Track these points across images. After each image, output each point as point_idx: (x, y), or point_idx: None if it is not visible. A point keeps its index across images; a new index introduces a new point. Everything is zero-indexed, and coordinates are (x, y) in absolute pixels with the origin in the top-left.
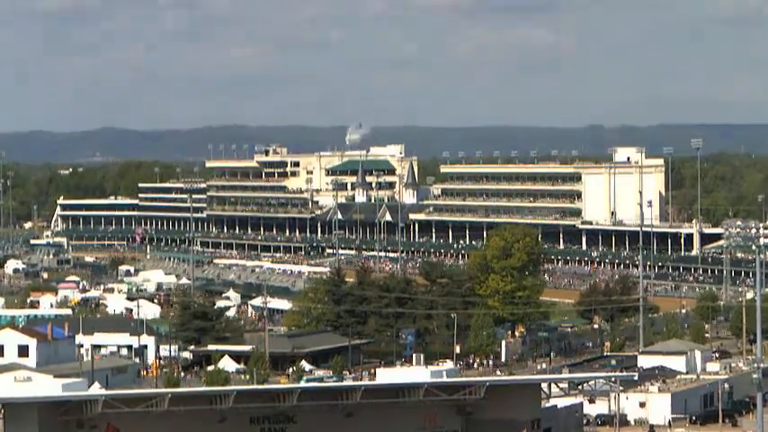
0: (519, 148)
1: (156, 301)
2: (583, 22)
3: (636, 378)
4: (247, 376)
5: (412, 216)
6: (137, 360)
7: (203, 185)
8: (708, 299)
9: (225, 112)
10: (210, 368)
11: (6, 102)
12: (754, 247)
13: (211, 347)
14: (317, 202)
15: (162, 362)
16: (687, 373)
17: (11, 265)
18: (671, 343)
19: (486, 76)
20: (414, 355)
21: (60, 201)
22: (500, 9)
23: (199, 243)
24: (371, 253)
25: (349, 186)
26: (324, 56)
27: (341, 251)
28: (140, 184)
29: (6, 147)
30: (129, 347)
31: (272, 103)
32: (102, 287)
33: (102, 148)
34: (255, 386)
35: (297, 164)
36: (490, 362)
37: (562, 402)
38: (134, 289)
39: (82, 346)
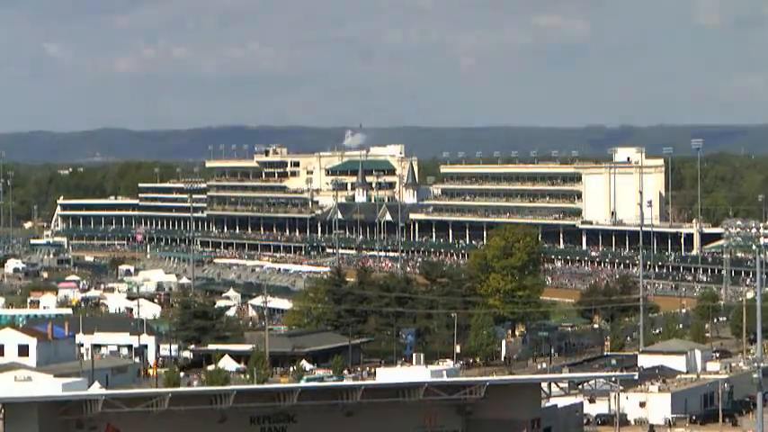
0: (519, 148)
1: (156, 300)
2: (583, 21)
3: (636, 378)
4: (247, 376)
5: (412, 216)
6: (137, 360)
7: (203, 185)
8: (708, 298)
9: (225, 112)
10: (211, 367)
11: (6, 102)
12: (754, 247)
13: (211, 347)
14: (318, 202)
15: (163, 361)
16: (687, 372)
17: (11, 264)
18: (671, 343)
19: (487, 75)
20: (414, 355)
21: (60, 201)
22: (501, 8)
23: (199, 243)
24: (372, 253)
25: (349, 186)
26: (324, 56)
27: (341, 251)
28: (140, 184)
29: (6, 147)
30: (130, 347)
31: (272, 103)
32: (102, 287)
33: (102, 148)
34: (256, 386)
35: (297, 164)
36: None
37: (562, 402)
38: (134, 288)
39: (82, 345)
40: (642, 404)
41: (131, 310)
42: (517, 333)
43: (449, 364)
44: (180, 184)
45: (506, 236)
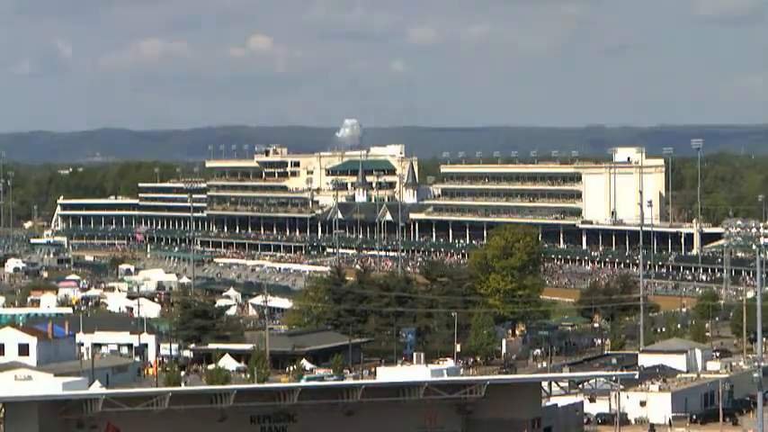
0: (519, 148)
1: (156, 299)
2: (582, 21)
3: (636, 377)
4: (248, 375)
5: (412, 216)
6: (137, 359)
7: (203, 185)
8: (708, 298)
9: (225, 113)
10: (211, 367)
11: (6, 102)
12: (754, 247)
13: (212, 346)
14: (318, 202)
15: (163, 361)
16: (688, 372)
17: (11, 264)
18: (671, 342)
19: (487, 75)
20: (414, 354)
21: (60, 200)
22: (501, 8)
23: (199, 242)
24: (372, 252)
25: (349, 186)
26: (324, 56)
27: (341, 250)
28: (140, 184)
29: (6, 147)
30: (130, 346)
31: (272, 103)
32: (102, 286)
33: (102, 148)
34: (256, 385)
35: (297, 164)
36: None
37: (562, 401)
38: (134, 288)
39: (82, 344)
40: (642, 403)
41: (131, 309)
42: (517, 332)
43: (449, 363)
44: (180, 184)
45: (506, 235)
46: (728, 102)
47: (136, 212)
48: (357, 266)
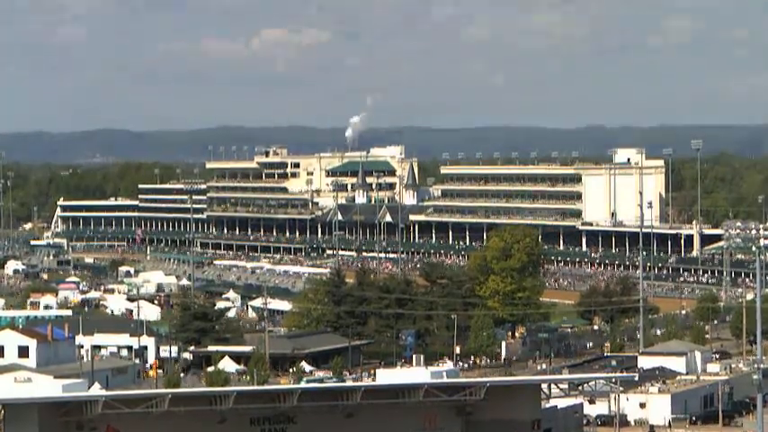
0: (519, 148)
1: (156, 302)
2: (582, 21)
3: (636, 379)
4: (247, 377)
5: (412, 217)
6: (137, 361)
7: (203, 186)
8: (708, 300)
9: (225, 113)
10: (211, 369)
11: (6, 102)
12: (754, 248)
13: (211, 348)
14: (318, 204)
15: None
16: (687, 373)
17: (11, 265)
18: (671, 344)
19: (486, 75)
20: (414, 356)
21: (60, 202)
22: (500, 6)
23: (199, 244)
24: (372, 254)
25: (349, 187)
26: (324, 56)
27: (341, 252)
28: (140, 185)
29: (6, 147)
30: (130, 348)
31: (272, 103)
32: (102, 288)
33: (102, 148)
34: (256, 387)
35: (297, 165)
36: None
37: (562, 403)
38: (134, 290)
39: (82, 346)
40: (642, 405)
41: (131, 311)
42: (517, 334)
43: (449, 365)
44: (180, 185)
45: (506, 237)
46: (728, 102)
47: (136, 214)
48: (356, 268)
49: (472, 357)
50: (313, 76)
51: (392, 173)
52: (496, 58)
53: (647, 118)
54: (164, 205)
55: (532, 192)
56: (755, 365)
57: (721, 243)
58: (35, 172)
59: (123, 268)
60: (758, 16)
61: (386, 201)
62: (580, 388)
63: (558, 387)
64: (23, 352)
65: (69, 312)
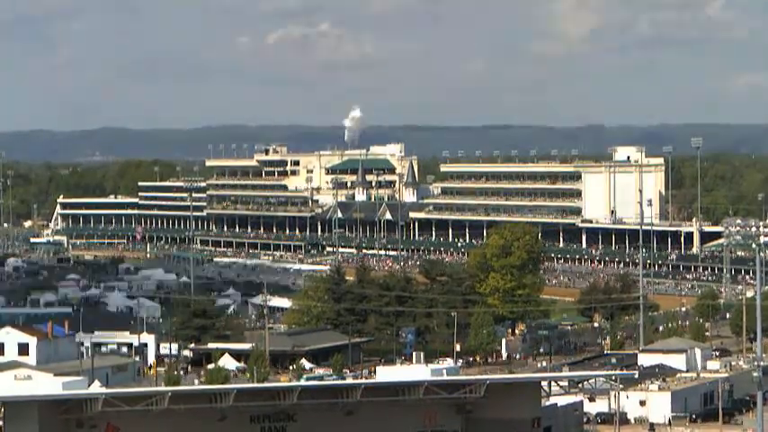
0: (519, 147)
1: (156, 299)
2: (582, 21)
3: (636, 376)
4: (247, 374)
5: (412, 215)
6: (137, 358)
7: (203, 184)
8: (708, 297)
9: (225, 112)
10: (211, 366)
11: (6, 101)
12: (754, 246)
13: (211, 346)
14: (317, 201)
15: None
16: (687, 371)
17: (11, 263)
18: (671, 341)
19: (487, 75)
20: (414, 354)
21: (60, 199)
22: (501, 7)
23: (199, 241)
24: (371, 251)
25: (349, 185)
26: (323, 56)
27: (341, 249)
28: (140, 183)
29: (6, 145)
30: (130, 346)
31: (272, 102)
32: (102, 285)
33: (102, 147)
34: (256, 384)
35: (297, 163)
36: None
37: (562, 401)
38: (134, 287)
39: (82, 344)
40: (642, 403)
41: (131, 308)
42: (517, 332)
43: (449, 362)
44: (180, 183)
45: (506, 234)
46: (728, 102)
47: (136, 211)
48: (356, 266)
49: (473, 357)
50: (313, 76)
51: (392, 171)
52: (497, 57)
53: (647, 118)
54: (164, 203)
55: (532, 189)
56: (755, 363)
57: (721, 240)
58: (35, 170)
59: (123, 265)
60: (758, 16)
61: (386, 198)
62: (580, 385)
63: (558, 385)
64: (23, 349)
65: (69, 310)
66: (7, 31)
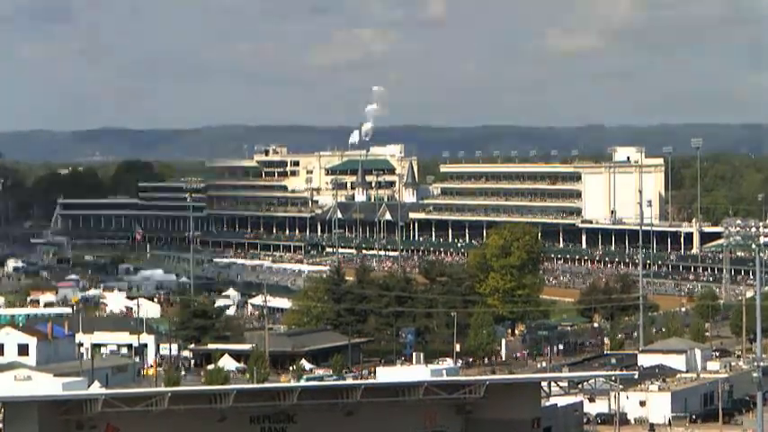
0: (519, 147)
1: (155, 299)
2: (581, 21)
3: (636, 377)
4: (247, 375)
5: (412, 215)
6: (137, 359)
7: (203, 185)
8: (708, 297)
9: (225, 112)
10: (210, 367)
11: (6, 101)
12: (753, 246)
13: (211, 346)
14: (317, 202)
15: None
16: (687, 371)
17: (11, 263)
18: (671, 341)
19: (486, 75)
20: (414, 354)
21: (60, 200)
22: (501, 7)
23: (199, 242)
24: (371, 252)
25: (349, 186)
26: (323, 56)
27: (341, 250)
28: (140, 184)
29: (6, 146)
30: (129, 346)
31: (272, 102)
32: (101, 286)
33: (102, 147)
34: (255, 385)
35: (297, 163)
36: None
37: (562, 401)
38: (134, 288)
39: (82, 344)
40: (642, 403)
41: (131, 309)
42: (517, 332)
43: (449, 363)
44: (180, 184)
45: (505, 235)
46: (729, 101)
47: (135, 212)
48: (356, 266)
49: (472, 358)
50: (313, 76)
51: (392, 171)
52: (497, 57)
53: (647, 118)
54: (163, 203)
55: (532, 190)
56: (755, 363)
57: (721, 241)
58: (35, 171)
59: (123, 266)
60: (758, 16)
61: (385, 199)
62: (580, 386)
63: (557, 385)
64: (23, 350)
65: (69, 310)
66: (7, 31)
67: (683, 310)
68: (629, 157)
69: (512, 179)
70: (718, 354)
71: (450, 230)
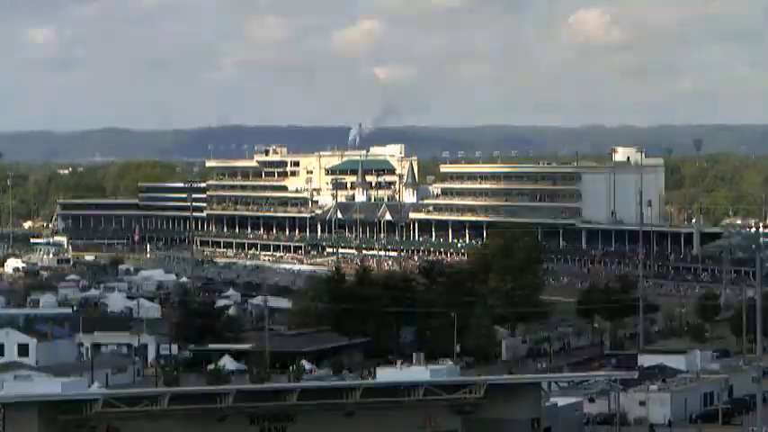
0: (519, 148)
1: (156, 300)
2: (581, 21)
3: (636, 377)
4: (247, 375)
5: (412, 215)
6: (137, 359)
7: (203, 185)
8: (708, 298)
9: (225, 112)
10: (210, 367)
11: (6, 102)
12: (754, 247)
13: (211, 346)
14: (317, 202)
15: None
16: (687, 372)
17: (11, 263)
18: (671, 342)
19: (486, 75)
20: (413, 354)
21: (60, 200)
22: (501, 7)
23: (199, 242)
24: (371, 252)
25: (349, 186)
26: (323, 56)
27: (341, 250)
28: (140, 184)
29: (6, 146)
30: (129, 346)
31: (272, 102)
32: (102, 286)
33: (102, 148)
34: (255, 385)
35: (297, 163)
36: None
37: (562, 401)
38: (134, 288)
39: (82, 345)
40: (642, 403)
41: (131, 309)
42: (517, 332)
43: (449, 363)
44: (180, 184)
45: (506, 235)
46: (729, 101)
47: (135, 212)
48: (356, 266)
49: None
50: (313, 76)
51: (392, 171)
52: (496, 57)
53: (647, 118)
54: (163, 204)
55: (532, 190)
56: (755, 364)
57: (721, 241)
58: (35, 171)
59: (123, 266)
60: (758, 16)
61: (386, 199)
62: (580, 386)
63: (557, 385)
64: (23, 350)
65: (69, 310)
66: (6, 30)
67: (683, 310)
68: (629, 158)
69: (512, 179)
70: (718, 354)
71: (450, 230)
